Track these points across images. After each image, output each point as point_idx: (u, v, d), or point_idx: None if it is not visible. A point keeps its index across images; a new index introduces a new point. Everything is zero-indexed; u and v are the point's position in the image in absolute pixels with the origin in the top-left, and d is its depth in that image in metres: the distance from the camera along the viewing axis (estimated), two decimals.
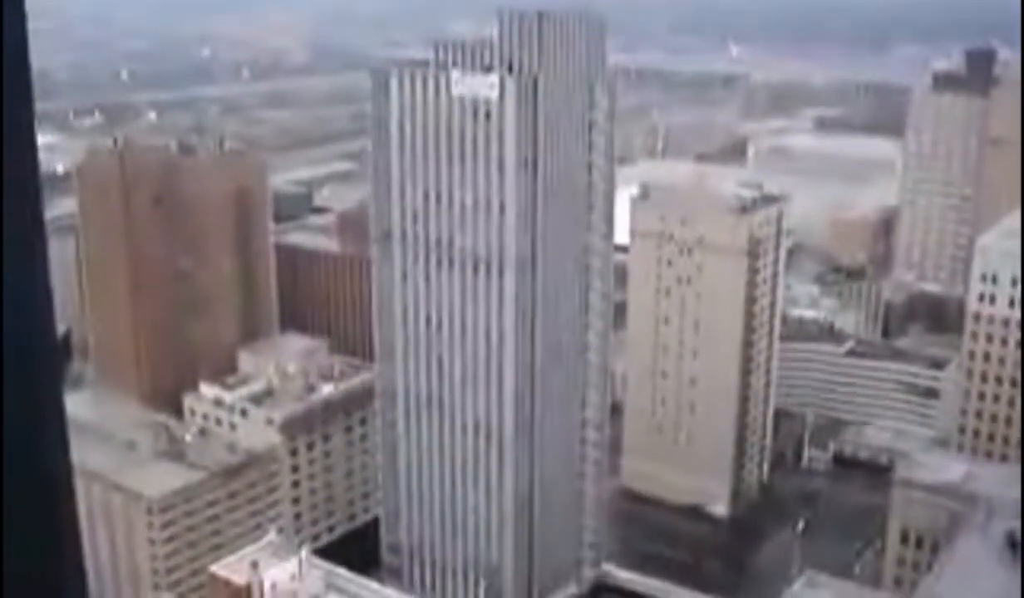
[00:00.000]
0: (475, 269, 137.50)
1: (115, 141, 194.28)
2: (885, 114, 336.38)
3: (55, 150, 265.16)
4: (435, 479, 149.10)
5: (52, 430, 8.09)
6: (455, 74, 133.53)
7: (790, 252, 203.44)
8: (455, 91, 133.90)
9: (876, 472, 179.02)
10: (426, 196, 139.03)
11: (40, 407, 7.92)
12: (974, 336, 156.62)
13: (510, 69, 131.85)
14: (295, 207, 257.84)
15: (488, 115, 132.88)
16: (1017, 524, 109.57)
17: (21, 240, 7.51)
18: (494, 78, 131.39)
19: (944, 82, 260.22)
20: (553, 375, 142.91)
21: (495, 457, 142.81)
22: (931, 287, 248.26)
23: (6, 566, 7.59)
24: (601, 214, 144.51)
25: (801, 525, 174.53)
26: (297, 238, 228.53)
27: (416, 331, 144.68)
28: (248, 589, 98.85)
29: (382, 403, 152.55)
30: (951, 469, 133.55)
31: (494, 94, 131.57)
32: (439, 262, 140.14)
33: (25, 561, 7.69)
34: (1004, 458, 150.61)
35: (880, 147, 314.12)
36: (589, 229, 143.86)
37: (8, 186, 7.20)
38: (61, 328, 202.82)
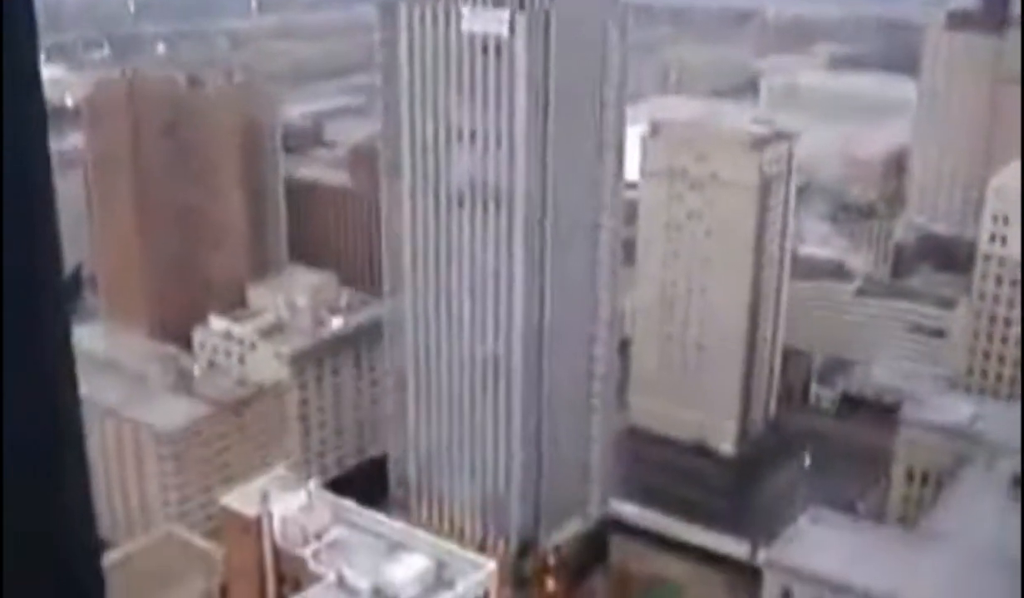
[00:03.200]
0: (485, 206, 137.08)
1: (123, 73, 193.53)
2: (899, 52, 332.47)
3: (63, 83, 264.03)
4: (444, 414, 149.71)
5: (61, 368, 8.13)
6: (465, 9, 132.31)
7: (801, 189, 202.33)
8: (465, 26, 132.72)
9: (883, 411, 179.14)
10: (436, 132, 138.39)
11: (48, 344, 7.95)
12: (984, 277, 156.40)
13: (521, 5, 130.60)
14: (305, 140, 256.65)
15: (499, 51, 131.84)
16: (1020, 464, 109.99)
17: (27, 178, 7.50)
18: (505, 13, 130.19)
19: (959, 20, 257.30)
20: (562, 312, 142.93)
21: (503, 393, 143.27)
22: (942, 227, 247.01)
23: (14, 505, 7.67)
24: (612, 150, 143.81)
25: (807, 463, 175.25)
26: (307, 171, 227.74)
27: (425, 267, 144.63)
28: (258, 520, 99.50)
29: (390, 337, 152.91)
30: (958, 409, 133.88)
31: (505, 30, 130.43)
32: (449, 198, 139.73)
33: (34, 499, 7.78)
34: (1011, 398, 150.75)
35: (893, 85, 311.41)
36: (600, 165, 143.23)
37: (14, 124, 7.19)
38: (71, 262, 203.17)
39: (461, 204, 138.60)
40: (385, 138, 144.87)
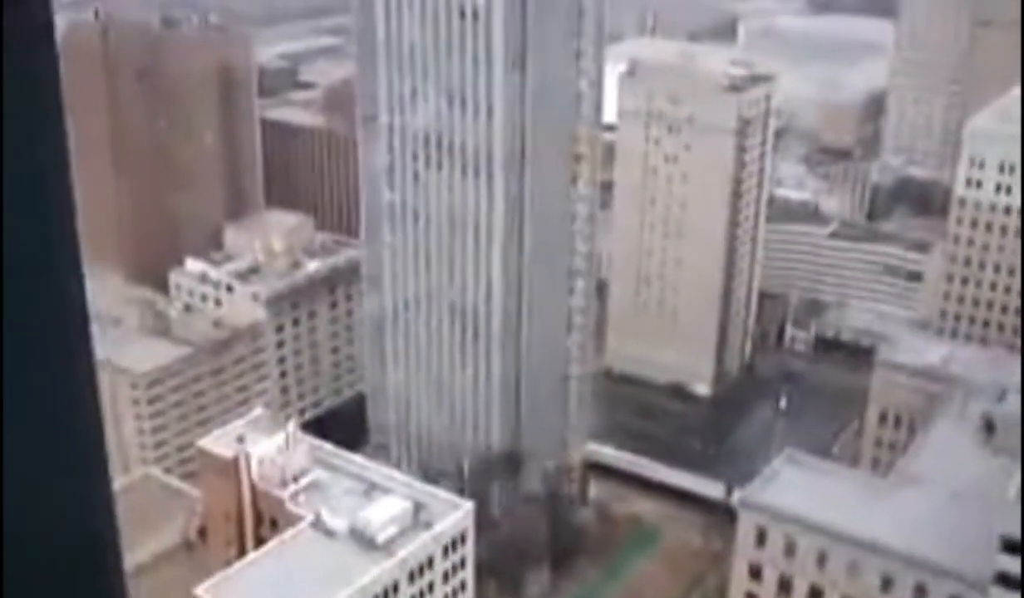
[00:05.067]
0: (463, 168, 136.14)
1: (96, 14, 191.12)
2: None
3: None
4: (421, 357, 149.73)
5: (75, 320, 8.30)
6: None
7: (778, 133, 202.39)
8: None
9: (857, 353, 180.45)
10: (413, 91, 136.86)
11: (62, 295, 8.10)
12: (959, 220, 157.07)
13: None
14: (280, 82, 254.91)
15: (476, 15, 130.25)
16: (993, 407, 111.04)
17: (41, 132, 7.69)
18: None
19: None
20: (540, 265, 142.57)
21: (483, 342, 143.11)
22: (918, 171, 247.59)
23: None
24: (590, 103, 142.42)
25: (782, 405, 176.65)
26: (282, 114, 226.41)
27: (404, 211, 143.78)
28: (235, 463, 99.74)
29: (368, 281, 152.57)
30: (932, 351, 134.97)
31: None
32: (427, 159, 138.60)
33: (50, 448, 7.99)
34: (984, 342, 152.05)
35: (871, 28, 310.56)
36: (577, 118, 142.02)
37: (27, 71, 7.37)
38: None
39: (440, 166, 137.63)
40: (361, 89, 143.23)
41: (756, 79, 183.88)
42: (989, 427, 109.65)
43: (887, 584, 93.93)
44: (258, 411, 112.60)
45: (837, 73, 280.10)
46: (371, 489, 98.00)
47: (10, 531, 7.62)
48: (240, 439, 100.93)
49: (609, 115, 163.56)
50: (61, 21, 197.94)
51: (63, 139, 7.56)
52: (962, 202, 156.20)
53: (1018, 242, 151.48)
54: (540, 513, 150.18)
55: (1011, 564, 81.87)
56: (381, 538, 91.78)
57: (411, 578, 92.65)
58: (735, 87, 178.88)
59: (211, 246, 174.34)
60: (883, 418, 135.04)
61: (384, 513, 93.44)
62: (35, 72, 7.24)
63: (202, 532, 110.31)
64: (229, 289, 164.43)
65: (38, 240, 7.33)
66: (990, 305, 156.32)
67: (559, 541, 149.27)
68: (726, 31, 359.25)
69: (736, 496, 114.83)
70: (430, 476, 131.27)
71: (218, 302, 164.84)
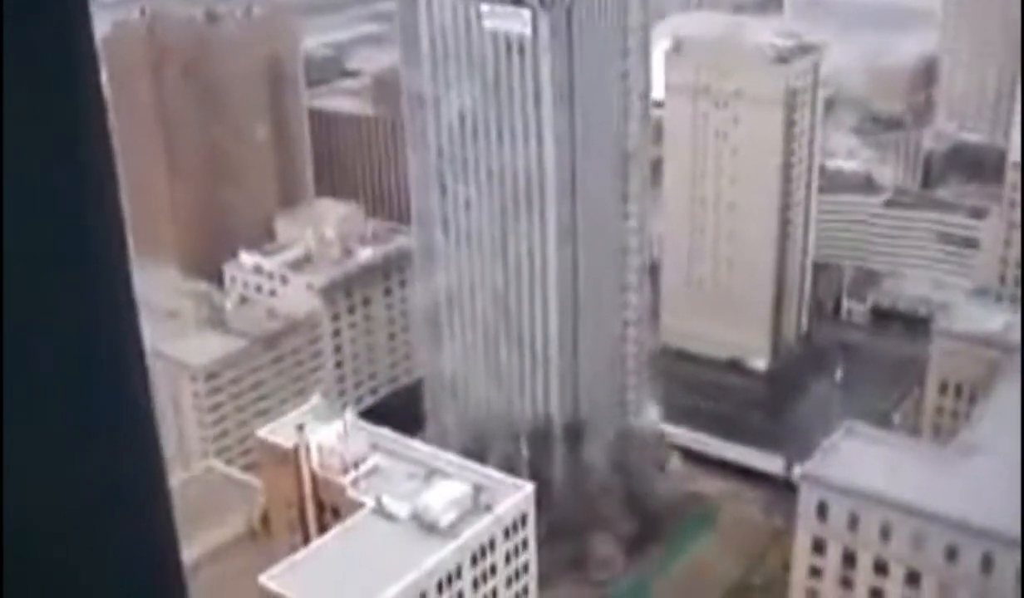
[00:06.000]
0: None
1: (142, 11, 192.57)
2: None
3: None
4: (478, 342, 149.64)
5: (125, 319, 8.26)
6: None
7: (827, 102, 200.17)
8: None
9: (915, 323, 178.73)
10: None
11: (111, 292, 8.06)
12: (1015, 185, 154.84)
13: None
14: (326, 71, 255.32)
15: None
16: None
17: (86, 125, 7.63)
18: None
19: None
20: (593, 240, 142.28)
21: (540, 322, 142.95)
22: (972, 136, 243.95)
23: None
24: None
25: (840, 376, 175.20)
26: (330, 102, 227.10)
27: (455, 198, 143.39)
28: (295, 452, 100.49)
29: (421, 268, 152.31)
30: (991, 319, 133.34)
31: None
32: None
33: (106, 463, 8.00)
34: None
35: None
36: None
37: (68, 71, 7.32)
38: None
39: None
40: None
41: (804, 49, 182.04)
42: None
43: (952, 555, 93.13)
44: (316, 400, 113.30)
45: (886, 40, 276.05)
46: (431, 474, 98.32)
47: (64, 534, 7.64)
48: (299, 428, 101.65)
49: (656, 91, 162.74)
50: (107, 20, 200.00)
51: (106, 134, 7.51)
52: (1017, 166, 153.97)
53: None
54: (602, 489, 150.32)
55: None
56: (443, 522, 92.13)
57: (473, 561, 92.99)
58: (782, 58, 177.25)
59: (263, 237, 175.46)
60: (943, 387, 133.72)
61: (445, 497, 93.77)
62: (73, 66, 7.21)
63: (265, 521, 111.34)
64: (284, 280, 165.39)
65: (82, 236, 7.32)
66: None
67: (622, 517, 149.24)
68: (772, 2, 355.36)
69: (796, 470, 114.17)
70: (488, 457, 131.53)
71: (273, 293, 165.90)
